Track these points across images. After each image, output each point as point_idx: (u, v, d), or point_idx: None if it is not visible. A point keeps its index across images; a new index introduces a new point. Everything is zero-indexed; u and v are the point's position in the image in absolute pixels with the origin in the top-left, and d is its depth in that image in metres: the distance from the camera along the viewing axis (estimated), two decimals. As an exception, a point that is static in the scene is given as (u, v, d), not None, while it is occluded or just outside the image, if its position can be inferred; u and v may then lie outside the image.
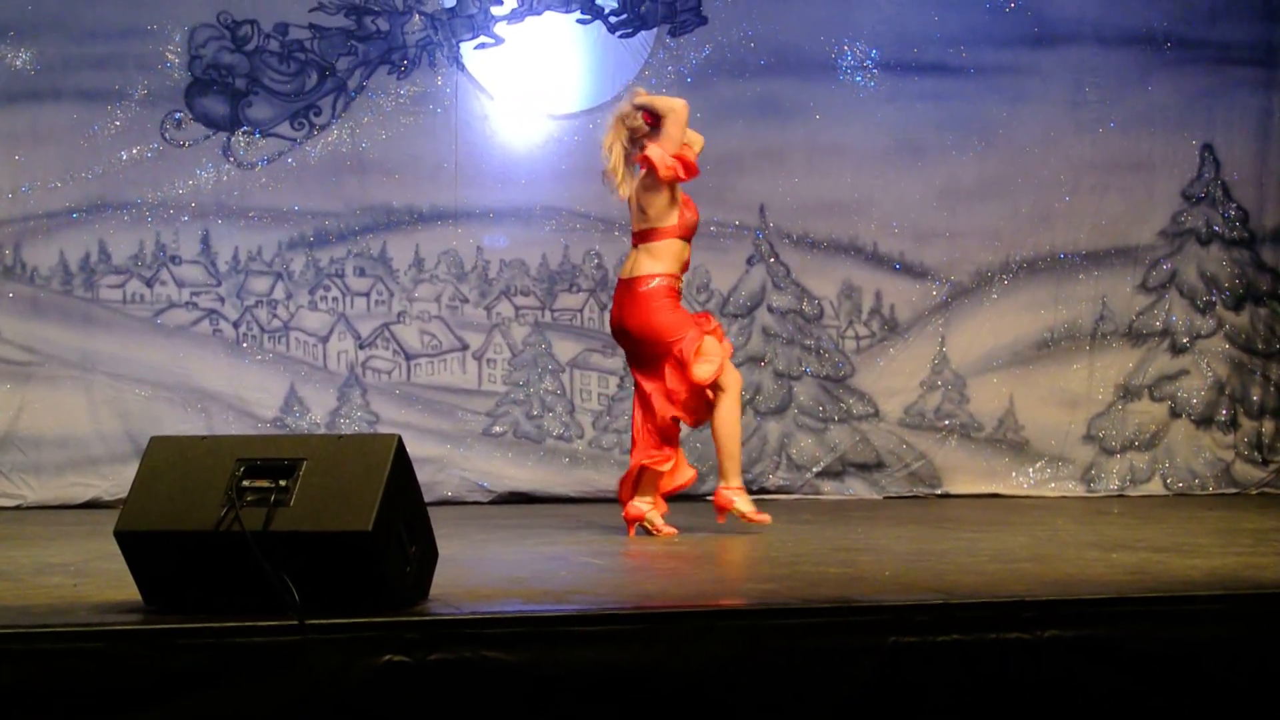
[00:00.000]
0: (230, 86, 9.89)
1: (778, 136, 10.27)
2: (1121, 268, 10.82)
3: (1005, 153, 10.66)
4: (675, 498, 7.79)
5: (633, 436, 7.68)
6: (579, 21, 10.21)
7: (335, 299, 10.01)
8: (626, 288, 7.58)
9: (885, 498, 10.40)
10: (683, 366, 7.46)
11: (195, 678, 4.20)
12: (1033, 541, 7.21)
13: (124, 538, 4.63)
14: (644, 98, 7.64)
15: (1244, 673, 4.77)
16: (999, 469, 10.62)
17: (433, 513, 4.97)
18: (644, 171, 7.52)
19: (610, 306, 7.82)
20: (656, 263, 7.52)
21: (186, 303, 9.87)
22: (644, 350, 7.58)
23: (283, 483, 4.56)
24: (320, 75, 9.96)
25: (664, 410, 7.53)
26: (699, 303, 10.16)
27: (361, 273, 10.05)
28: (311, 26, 9.95)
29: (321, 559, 4.46)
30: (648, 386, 7.57)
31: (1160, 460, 10.79)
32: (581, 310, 10.27)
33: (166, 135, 9.83)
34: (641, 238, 7.57)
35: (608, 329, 10.13)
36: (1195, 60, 10.87)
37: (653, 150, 7.42)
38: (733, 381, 7.58)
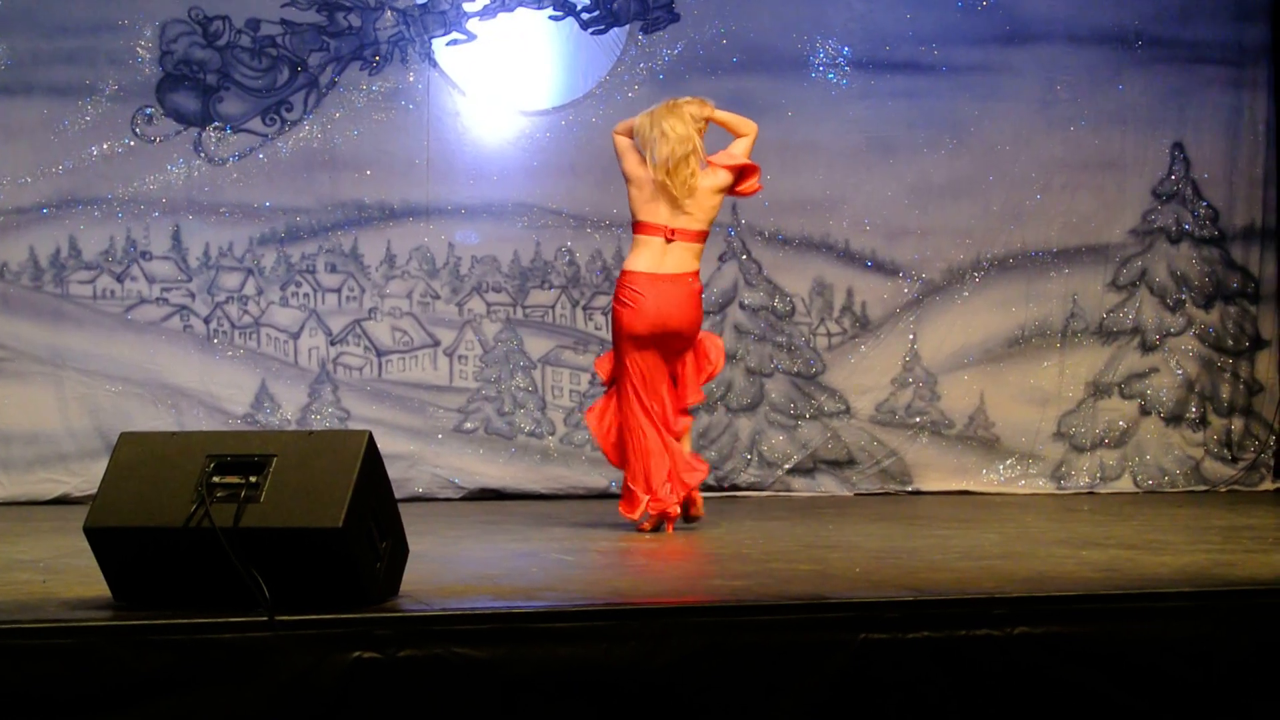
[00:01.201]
0: (201, 82, 9.86)
1: (750, 134, 10.27)
2: (1092, 266, 10.85)
3: (977, 151, 10.68)
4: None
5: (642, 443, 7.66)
6: (551, 18, 10.21)
7: (306, 295, 10.00)
8: (679, 283, 7.59)
9: (856, 495, 10.42)
10: (702, 358, 7.73)
11: (165, 674, 4.19)
12: (1003, 539, 7.23)
13: (93, 534, 4.62)
14: (721, 112, 7.81)
15: (1213, 669, 4.79)
16: (970, 466, 10.65)
17: (404, 509, 4.96)
18: (716, 174, 7.63)
19: (644, 300, 7.53)
20: (698, 263, 7.68)
21: (157, 299, 9.85)
22: (678, 346, 7.67)
23: (253, 479, 4.55)
24: (292, 71, 9.94)
25: (692, 393, 7.72)
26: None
27: (333, 269, 10.03)
28: (283, 22, 9.93)
29: (292, 555, 4.45)
30: (665, 379, 7.67)
31: (1130, 458, 10.82)
32: (553, 307, 10.26)
33: (137, 131, 9.80)
34: (694, 237, 7.60)
35: (579, 325, 10.22)
36: (1166, 59, 10.90)
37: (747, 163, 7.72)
38: None
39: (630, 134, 7.68)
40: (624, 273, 7.63)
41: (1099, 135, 10.82)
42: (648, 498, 7.52)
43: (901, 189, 10.61)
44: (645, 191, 7.58)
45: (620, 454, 7.67)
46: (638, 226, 7.64)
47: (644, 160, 7.58)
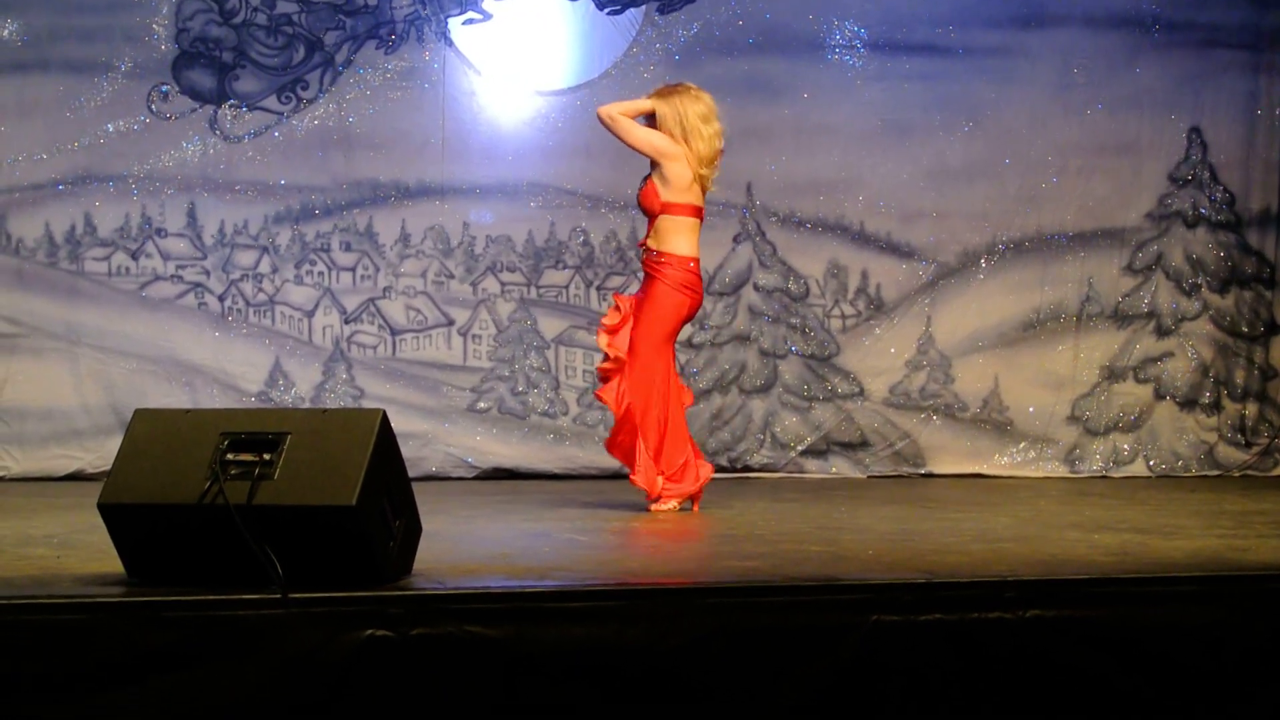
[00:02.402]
0: (217, 60, 9.86)
1: (765, 115, 10.25)
2: (1108, 249, 10.83)
3: (993, 134, 10.65)
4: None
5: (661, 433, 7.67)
6: (567, -2, 10.21)
7: (321, 273, 10.00)
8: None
9: (869, 477, 10.41)
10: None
11: (178, 650, 4.20)
12: (1016, 522, 7.23)
13: (107, 510, 4.63)
14: None
15: (1225, 654, 4.79)
16: (983, 449, 10.64)
17: (417, 488, 4.97)
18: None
19: (699, 285, 7.67)
20: None
21: (172, 276, 9.86)
22: None
23: (267, 456, 4.56)
24: (308, 49, 9.94)
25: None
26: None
27: (348, 247, 10.03)
28: (299, 0, 9.92)
29: (305, 533, 4.46)
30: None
31: (1144, 442, 10.81)
32: (567, 287, 10.26)
33: (153, 108, 9.80)
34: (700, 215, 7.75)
35: (593, 305, 10.24)
36: (1183, 43, 10.87)
37: None
38: None
39: (631, 115, 7.66)
40: (684, 259, 7.56)
41: (1115, 119, 10.80)
42: (662, 478, 7.55)
43: (917, 171, 10.59)
44: (690, 172, 7.55)
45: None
46: (683, 209, 7.54)
47: (676, 139, 7.55)
